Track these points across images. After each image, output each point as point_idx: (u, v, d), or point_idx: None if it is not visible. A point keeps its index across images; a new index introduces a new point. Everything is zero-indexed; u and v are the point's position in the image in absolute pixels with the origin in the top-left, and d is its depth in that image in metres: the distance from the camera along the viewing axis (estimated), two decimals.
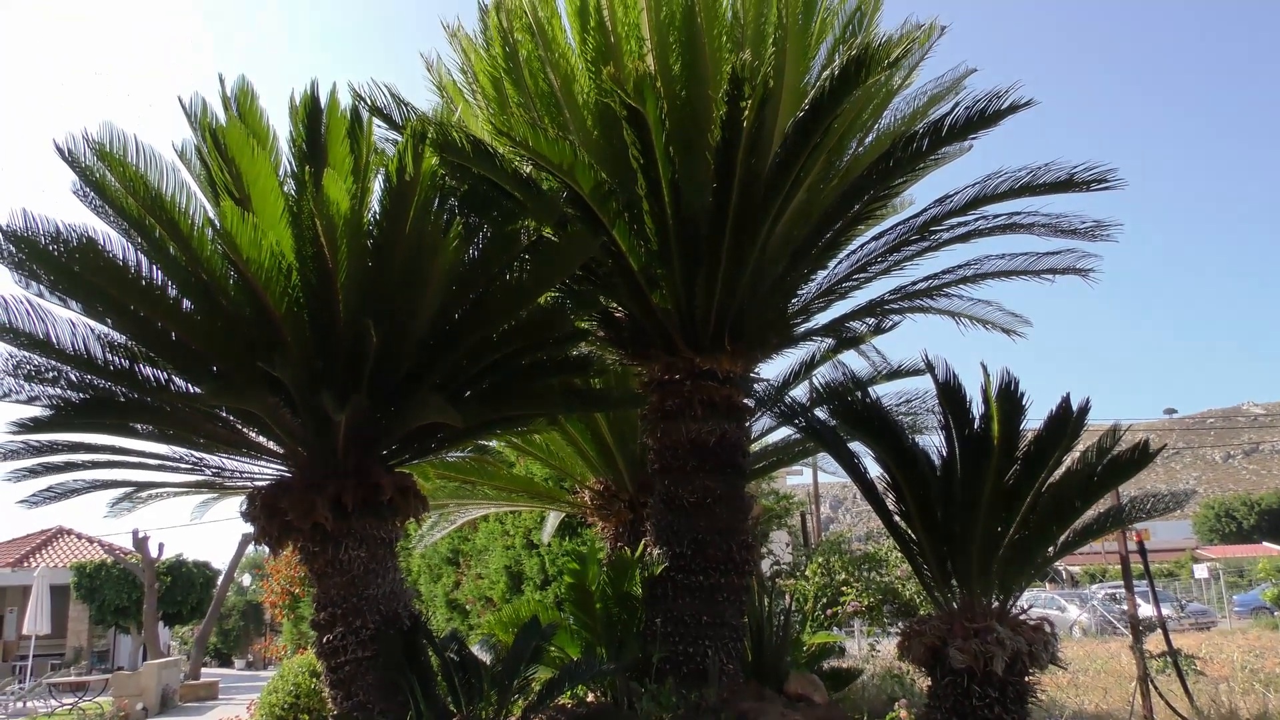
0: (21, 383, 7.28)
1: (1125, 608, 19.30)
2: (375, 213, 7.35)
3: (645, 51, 8.00)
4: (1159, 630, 10.24)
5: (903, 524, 7.87)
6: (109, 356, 7.44)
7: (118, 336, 7.48)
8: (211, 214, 7.18)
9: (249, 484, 8.23)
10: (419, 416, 7.16)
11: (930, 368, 7.25)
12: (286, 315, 7.02)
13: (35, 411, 7.17)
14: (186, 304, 7.24)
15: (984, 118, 7.23)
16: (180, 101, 7.31)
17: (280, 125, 7.59)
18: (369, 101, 8.15)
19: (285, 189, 7.22)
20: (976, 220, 8.60)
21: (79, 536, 35.12)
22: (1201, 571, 40.53)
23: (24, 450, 7.58)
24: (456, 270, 7.70)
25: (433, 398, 6.88)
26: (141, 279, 6.97)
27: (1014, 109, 7.14)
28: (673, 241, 8.03)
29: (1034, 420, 7.21)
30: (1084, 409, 6.97)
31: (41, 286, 6.99)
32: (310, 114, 7.32)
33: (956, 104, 7.28)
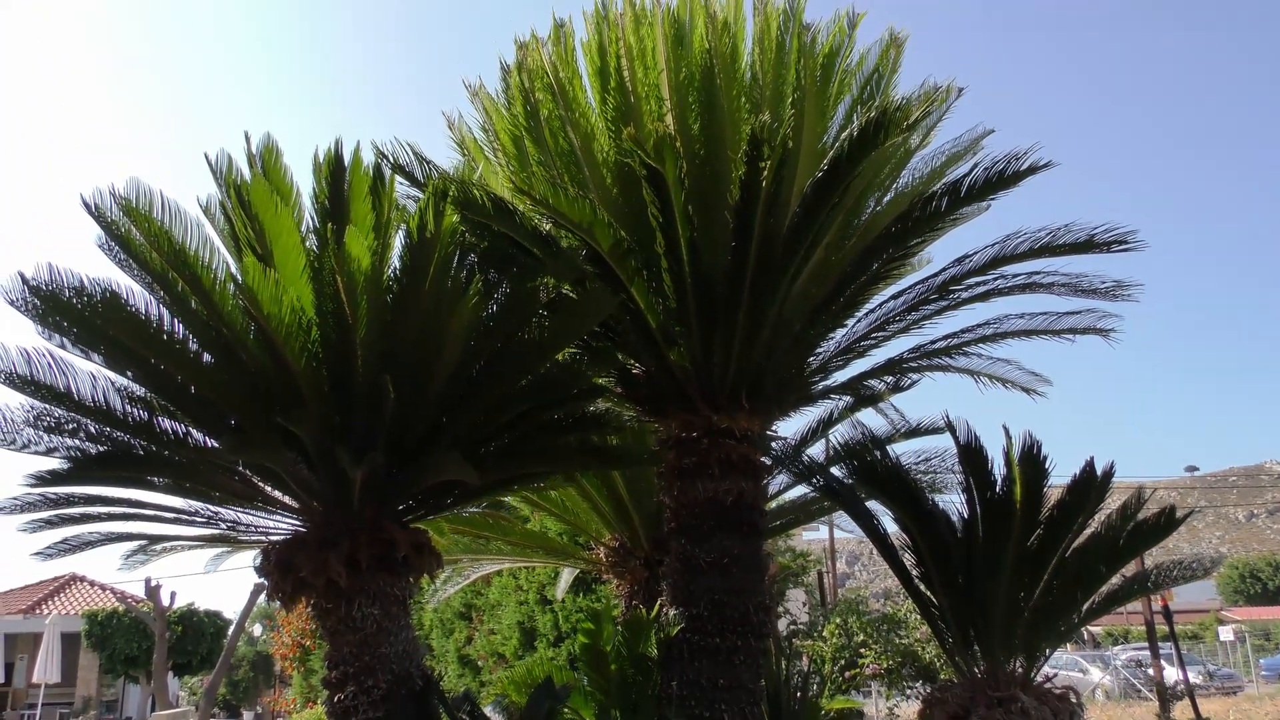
0: (41, 434, 7.31)
1: (1150, 672, 18.88)
2: (395, 269, 7.38)
3: (665, 111, 8.08)
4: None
5: (922, 586, 7.75)
6: (128, 409, 7.47)
7: (137, 389, 7.51)
8: (234, 269, 7.24)
9: (263, 538, 8.20)
10: (436, 474, 7.14)
11: (951, 429, 7.19)
12: (305, 370, 7.04)
13: (53, 464, 7.19)
14: (206, 357, 7.28)
15: (1003, 179, 7.24)
16: (206, 158, 7.43)
17: (304, 181, 7.72)
18: (391, 159, 8.24)
19: (307, 244, 7.29)
20: (996, 280, 8.58)
21: (91, 584, 35.05)
22: (1227, 634, 39.73)
23: (41, 503, 7.58)
24: (475, 326, 7.71)
25: (450, 455, 6.86)
26: (163, 332, 7.01)
27: (1033, 170, 7.15)
28: (691, 299, 8.03)
29: (1058, 477, 7.13)
30: (1108, 473, 6.88)
31: (64, 339, 7.05)
32: (333, 171, 7.40)
33: (975, 165, 7.31)
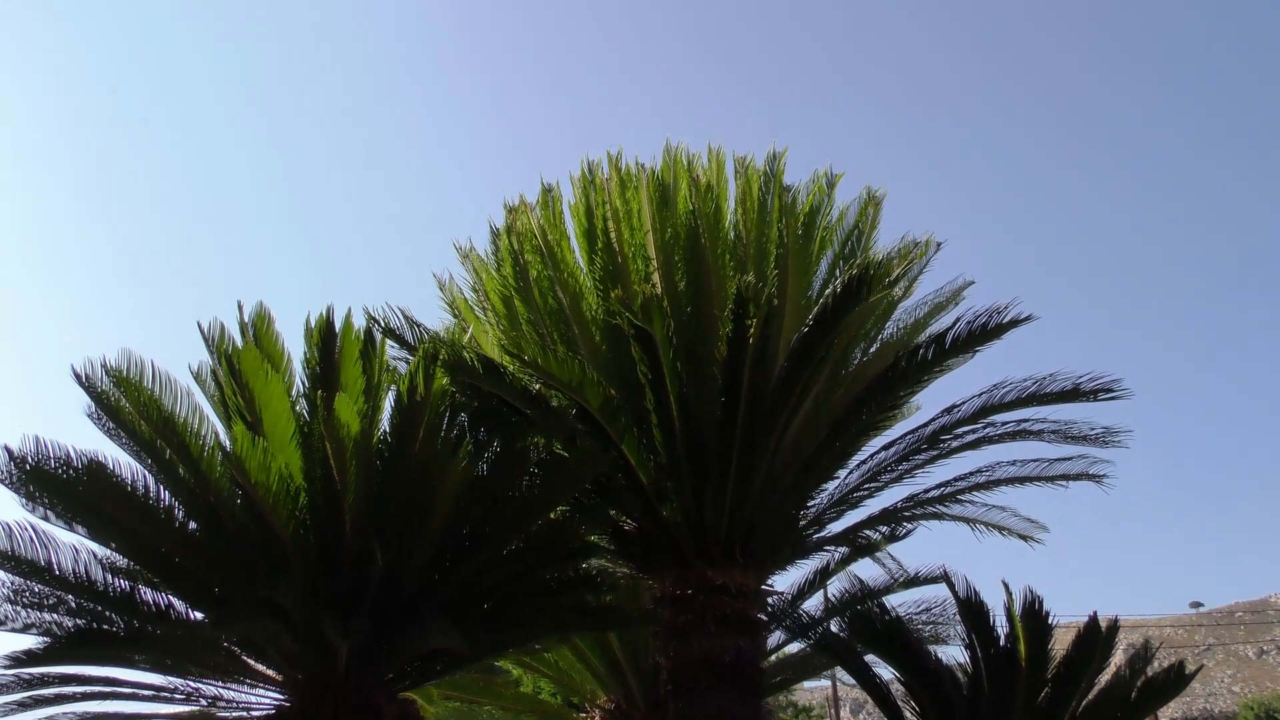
0: (18, 610, 7.13)
1: None
2: (385, 430, 7.39)
3: (652, 270, 8.26)
4: None
5: None
6: (110, 580, 7.32)
7: (120, 559, 7.38)
8: (224, 436, 7.24)
9: (244, 715, 7.88)
10: (424, 642, 6.94)
11: (949, 583, 7.08)
12: (292, 537, 6.94)
13: (29, 641, 6.99)
14: (192, 526, 7.20)
15: (985, 332, 7.38)
16: (199, 327, 7.50)
17: (296, 344, 7.75)
18: (382, 323, 8.35)
19: (298, 409, 7.31)
20: (985, 428, 8.60)
21: None
22: None
23: (14, 683, 7.30)
24: (465, 487, 7.64)
25: (438, 622, 6.68)
26: (149, 501, 6.96)
27: (1015, 324, 7.30)
28: (681, 454, 8.03)
29: (1063, 616, 6.97)
30: (1113, 627, 6.74)
31: (48, 510, 6.97)
32: (324, 337, 7.47)
33: (958, 319, 7.47)
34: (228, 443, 6.84)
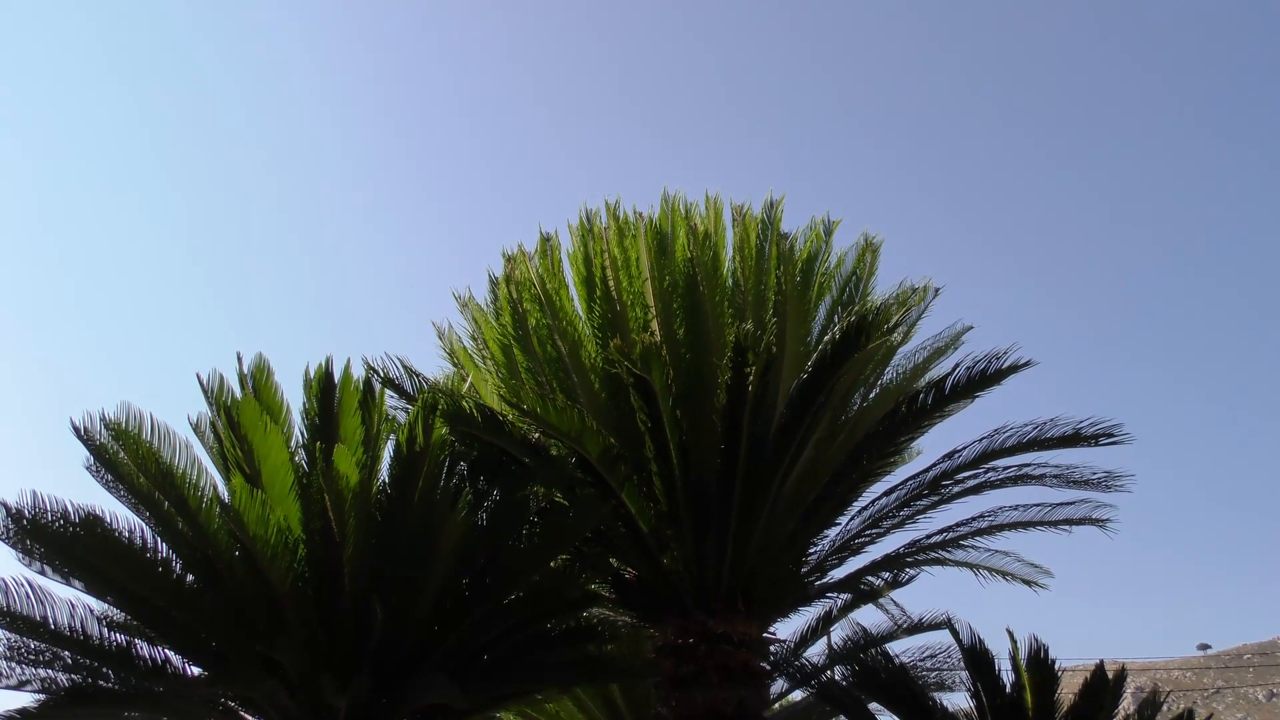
0: (13, 666, 7.05)
1: None
2: (384, 481, 7.36)
3: (650, 318, 8.27)
4: None
5: None
6: (106, 634, 7.25)
7: (116, 614, 7.32)
8: (223, 488, 7.19)
9: None
10: (423, 698, 6.86)
11: (953, 631, 7.02)
12: (290, 592, 6.89)
13: (25, 699, 6.92)
14: (189, 579, 7.16)
15: (985, 377, 7.41)
16: (199, 379, 7.49)
17: (295, 395, 7.74)
18: (381, 374, 8.38)
19: (296, 460, 7.30)
20: (987, 473, 8.60)
21: None
22: None
23: None
24: (465, 538, 7.58)
25: (437, 678, 6.63)
26: (146, 554, 6.91)
27: (1014, 369, 7.33)
28: (682, 503, 8.00)
29: (1066, 660, 6.89)
30: (1120, 674, 6.68)
31: (45, 565, 6.93)
32: (324, 388, 7.50)
33: (958, 365, 7.51)
34: (226, 495, 6.80)
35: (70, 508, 6.65)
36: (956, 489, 8.69)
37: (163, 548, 6.99)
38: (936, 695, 8.98)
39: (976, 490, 8.79)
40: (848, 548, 9.14)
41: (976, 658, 6.93)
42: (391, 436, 7.56)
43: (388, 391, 8.30)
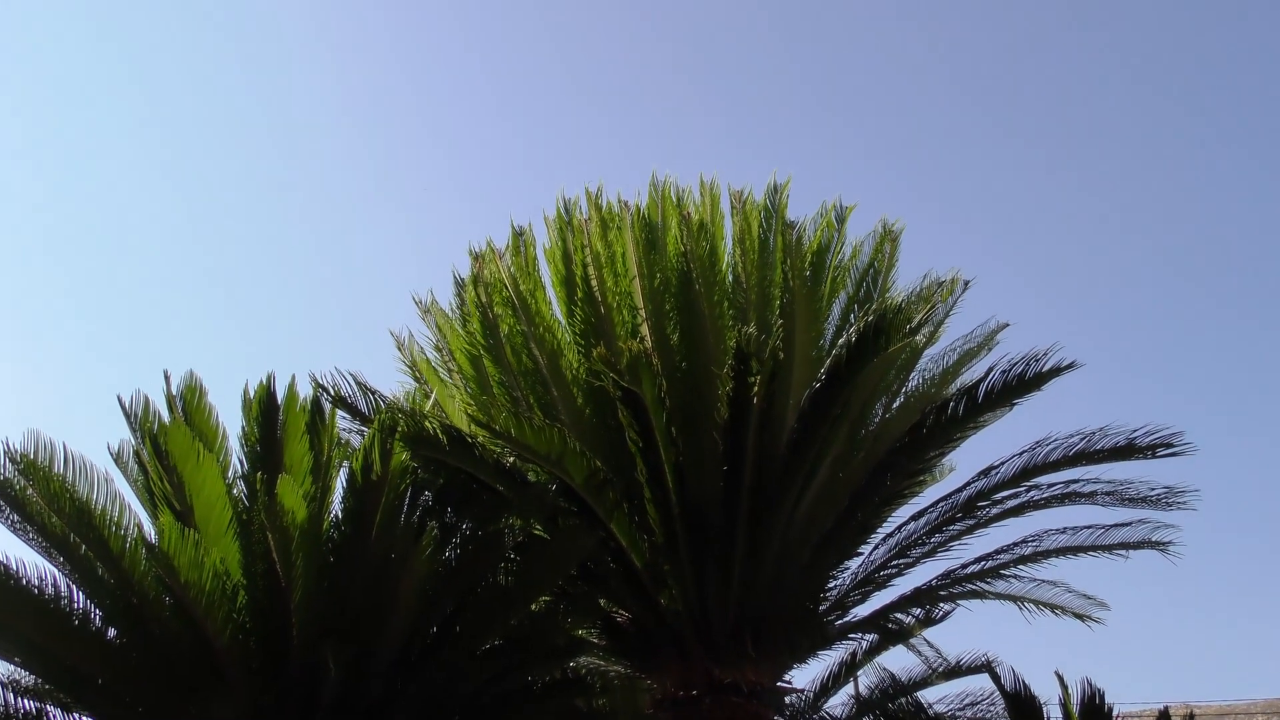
0: None
1: None
2: (337, 515, 7.39)
3: (639, 322, 8.32)
4: None
5: None
6: (13, 700, 7.28)
7: (26, 676, 7.34)
8: (149, 528, 7.22)
9: None
10: None
11: (995, 675, 7.08)
12: (230, 645, 6.90)
13: None
14: (111, 633, 7.16)
15: (1023, 382, 7.47)
16: (120, 401, 7.50)
17: (232, 419, 7.74)
18: (332, 392, 8.38)
19: (235, 493, 7.30)
20: (1029, 491, 8.64)
21: None
22: None
23: None
24: (431, 578, 7.61)
25: None
26: (60, 607, 6.93)
27: (1056, 372, 7.38)
28: (680, 533, 8.02)
29: (1130, 704, 6.93)
30: None
31: None
32: (265, 409, 7.49)
33: (992, 368, 7.56)
34: (153, 535, 6.83)
35: None
36: (995, 510, 8.72)
37: (80, 598, 6.99)
38: None
39: (1017, 511, 8.85)
40: (871, 581, 9.18)
41: (1022, 705, 6.99)
42: (344, 464, 7.60)
43: (339, 412, 8.31)
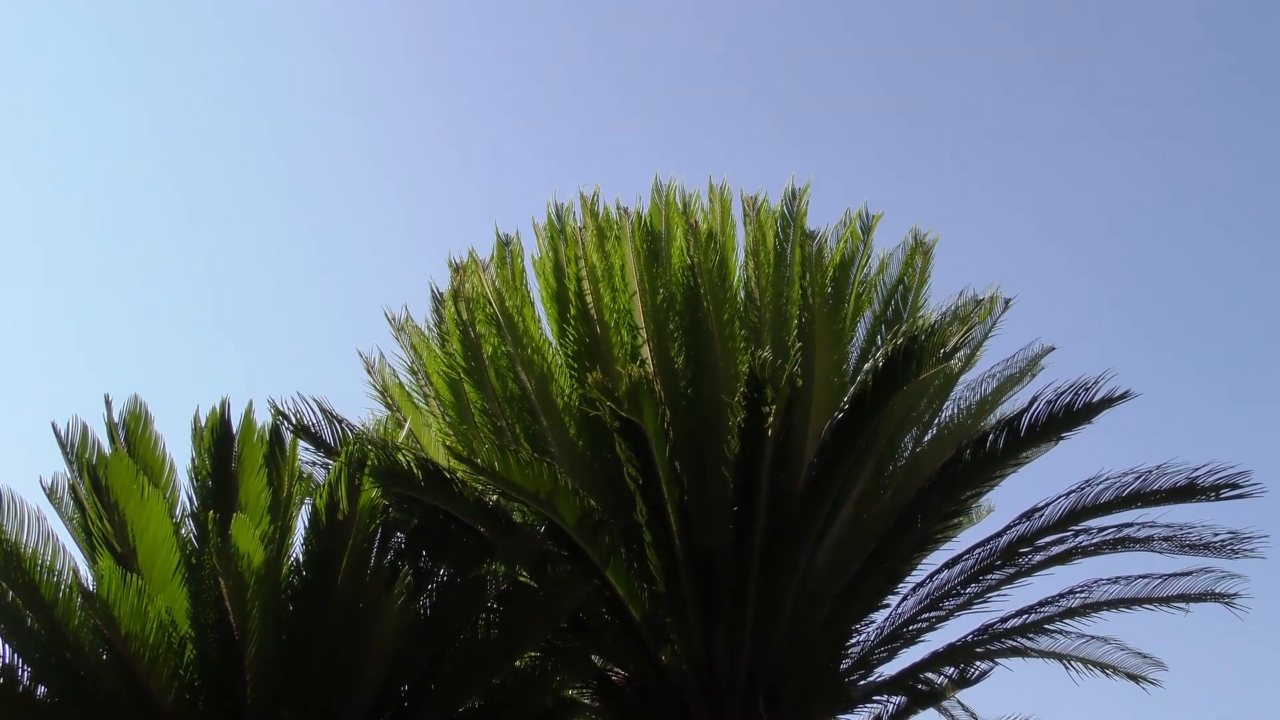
0: None
1: None
2: (298, 559, 7.29)
3: (640, 343, 8.23)
4: None
5: None
6: None
7: None
8: (86, 573, 7.14)
9: None
10: None
11: None
12: (176, 705, 6.80)
13: None
14: (40, 691, 7.07)
15: (1071, 414, 7.41)
16: (54, 430, 7.41)
17: (181, 451, 7.67)
18: (293, 420, 8.31)
19: (183, 533, 7.22)
20: (1077, 536, 8.53)
21: None
22: None
23: None
24: (404, 631, 7.55)
25: None
26: None
27: (1108, 403, 7.30)
28: (684, 581, 7.88)
29: None
30: None
31: None
32: (218, 439, 7.48)
33: (1036, 398, 7.49)
34: (91, 581, 6.80)
35: None
36: (1038, 558, 8.60)
37: (5, 651, 6.92)
38: None
39: (1064, 559, 8.72)
40: (900, 636, 9.06)
41: None
42: (307, 501, 7.55)
43: (301, 443, 8.21)
